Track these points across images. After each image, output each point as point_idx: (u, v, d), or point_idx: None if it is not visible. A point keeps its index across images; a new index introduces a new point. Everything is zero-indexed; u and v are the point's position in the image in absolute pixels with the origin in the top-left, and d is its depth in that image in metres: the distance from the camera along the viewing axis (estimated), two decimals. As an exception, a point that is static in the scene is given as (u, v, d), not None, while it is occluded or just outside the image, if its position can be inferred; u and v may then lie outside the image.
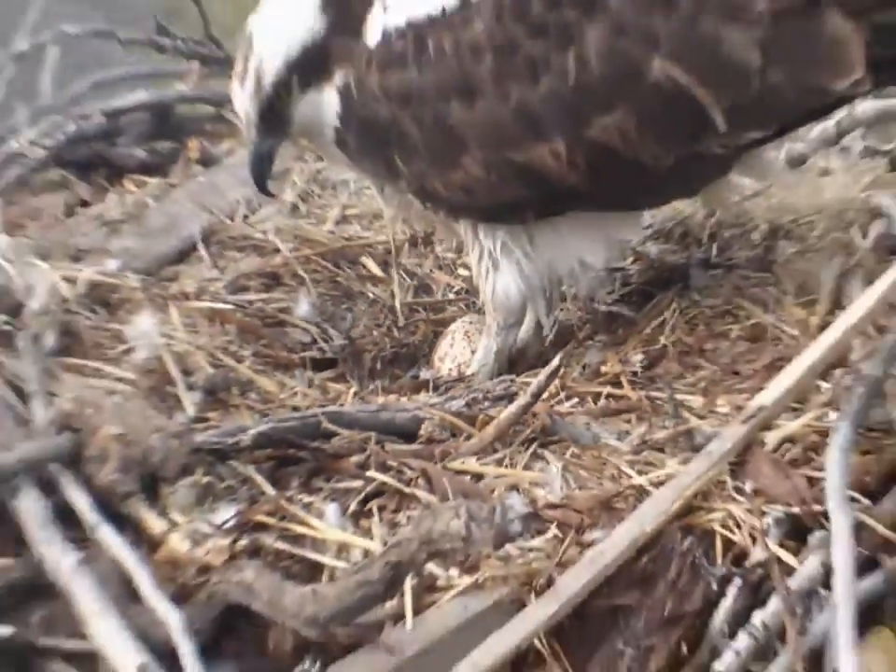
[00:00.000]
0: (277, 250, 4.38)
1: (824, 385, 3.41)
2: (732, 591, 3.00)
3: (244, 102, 3.86)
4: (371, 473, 3.33)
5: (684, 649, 2.96)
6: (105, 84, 5.32)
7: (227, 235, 4.47)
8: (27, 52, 5.27)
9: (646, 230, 4.18)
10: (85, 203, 4.71)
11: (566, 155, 3.53)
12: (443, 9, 3.58)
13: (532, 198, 3.63)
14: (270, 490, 3.28)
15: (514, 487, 3.26)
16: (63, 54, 5.36)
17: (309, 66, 3.76)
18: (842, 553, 2.90)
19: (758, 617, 2.95)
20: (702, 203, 4.06)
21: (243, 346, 3.92)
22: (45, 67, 5.36)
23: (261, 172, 3.94)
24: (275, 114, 3.83)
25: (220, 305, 4.07)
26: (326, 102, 3.77)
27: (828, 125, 4.22)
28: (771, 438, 3.28)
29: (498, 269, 3.76)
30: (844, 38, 3.46)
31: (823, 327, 3.58)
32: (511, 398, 3.51)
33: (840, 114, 4.24)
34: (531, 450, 3.40)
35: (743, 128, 3.52)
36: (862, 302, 3.48)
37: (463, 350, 3.94)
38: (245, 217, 4.55)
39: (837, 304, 3.75)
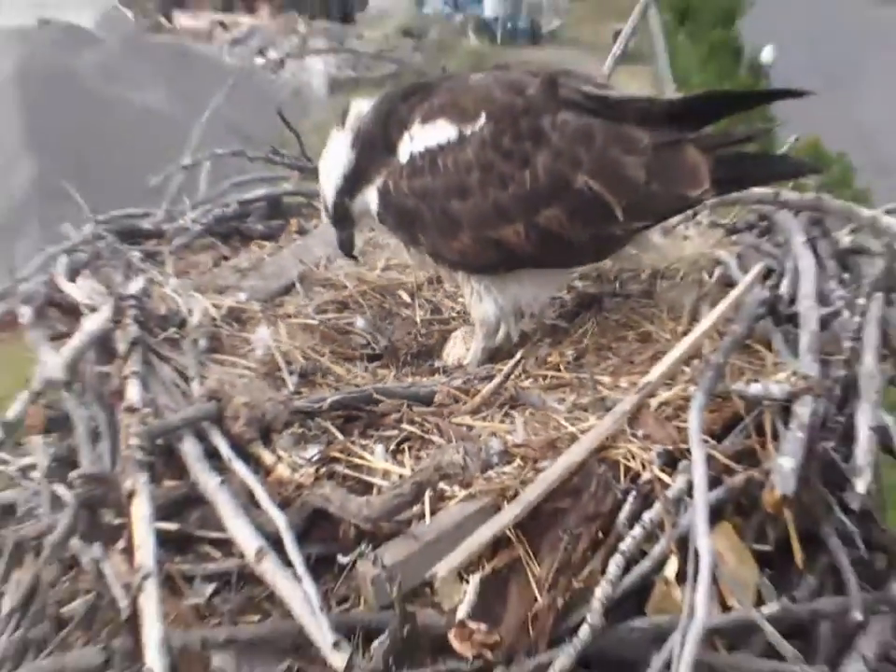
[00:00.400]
0: (345, 286, 4.35)
1: (686, 368, 3.39)
2: (630, 498, 2.99)
3: (323, 215, 3.99)
4: (404, 426, 3.32)
5: (601, 535, 2.95)
6: (239, 184, 5.39)
7: (314, 278, 4.44)
8: (190, 165, 5.32)
9: (574, 274, 4.13)
10: (226, 258, 4.71)
11: (523, 234, 3.52)
12: (448, 140, 3.55)
13: (502, 260, 3.61)
14: (340, 436, 3.27)
15: (493, 434, 3.23)
16: (213, 165, 5.42)
17: (351, 186, 3.77)
18: (699, 474, 2.89)
19: (647, 515, 2.94)
20: (610, 261, 4.02)
21: (323, 347, 3.89)
22: (202, 173, 5.43)
23: (347, 249, 4.01)
24: (343, 216, 3.87)
25: (309, 321, 4.05)
26: (369, 198, 3.76)
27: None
28: (654, 402, 3.25)
29: (482, 301, 3.75)
30: (696, 164, 3.47)
31: (685, 333, 3.56)
32: (491, 378, 3.48)
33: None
34: (503, 411, 3.38)
35: (634, 220, 3.51)
36: (710, 317, 3.48)
37: (461, 348, 3.90)
38: (326, 266, 4.52)
39: (694, 319, 3.71)
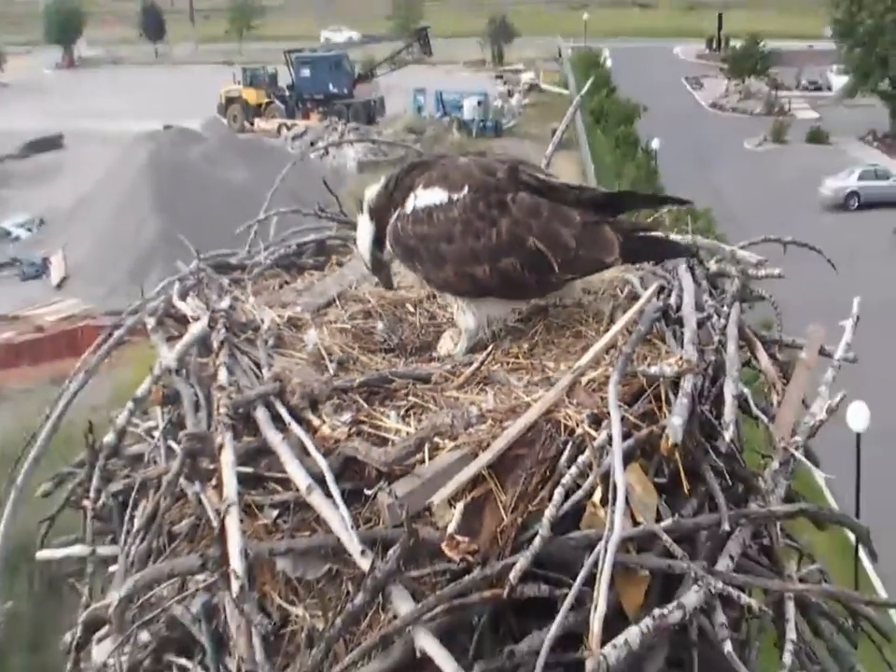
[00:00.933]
0: (370, 301, 4.22)
1: (606, 356, 3.29)
2: (568, 448, 2.92)
3: (364, 265, 3.95)
4: (410, 398, 3.23)
5: (548, 473, 2.88)
6: (297, 232, 5.29)
7: (348, 296, 4.30)
8: (263, 219, 5.23)
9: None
10: (287, 283, 4.60)
11: (488, 273, 3.46)
12: (441, 202, 3.49)
13: (474, 288, 3.54)
14: (365, 406, 3.18)
15: (473, 403, 3.14)
16: (279, 220, 5.31)
17: (376, 244, 3.74)
18: (616, 430, 2.83)
19: (580, 459, 2.87)
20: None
21: (354, 343, 3.78)
22: (272, 225, 5.33)
23: (388, 284, 3.98)
24: (377, 264, 3.84)
25: (344, 326, 3.94)
26: (387, 248, 3.71)
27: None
28: (584, 380, 3.16)
29: (465, 314, 3.64)
30: (611, 239, 3.43)
31: (605, 331, 3.46)
32: (471, 364, 3.38)
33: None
34: (480, 387, 3.29)
35: (566, 273, 3.47)
36: (622, 320, 3.39)
37: (450, 344, 3.77)
38: (356, 287, 4.38)
39: (611, 321, 3.60)
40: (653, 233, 3.71)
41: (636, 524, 2.79)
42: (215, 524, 2.79)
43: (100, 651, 3.07)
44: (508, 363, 3.50)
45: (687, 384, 3.04)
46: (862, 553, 11.44)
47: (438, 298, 4.17)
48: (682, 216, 4.56)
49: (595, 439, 2.90)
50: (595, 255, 3.44)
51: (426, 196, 3.54)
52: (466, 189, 3.48)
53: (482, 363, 3.35)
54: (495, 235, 3.42)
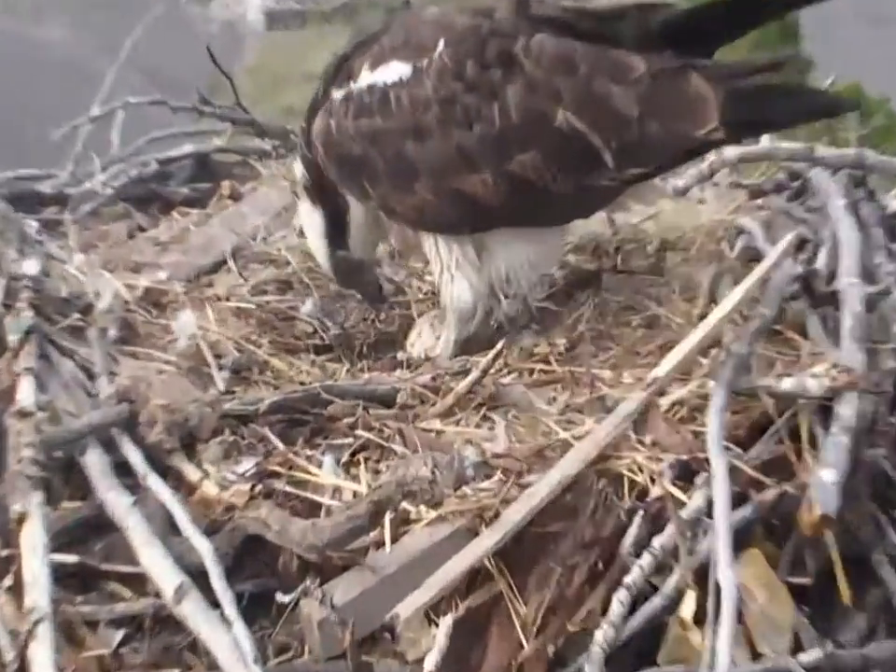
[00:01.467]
0: (288, 263, 4.29)
1: (704, 360, 3.32)
2: (636, 520, 2.93)
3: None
4: (358, 432, 3.26)
5: (601, 566, 2.89)
6: (159, 139, 5.34)
7: (251, 252, 4.39)
8: (101, 116, 5.26)
9: (567, 245, 4.07)
10: (142, 229, 4.69)
11: (492, 184, 3.48)
12: (400, 78, 3.55)
13: (468, 217, 3.58)
14: (280, 446, 3.21)
15: (469, 441, 3.17)
16: (128, 116, 5.37)
17: (335, 238, 3.95)
18: (720, 489, 2.85)
19: (657, 541, 2.88)
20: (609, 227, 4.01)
21: (261, 336, 3.83)
22: (115, 126, 5.37)
23: (375, 298, 4.14)
24: (346, 269, 4.04)
25: (245, 305, 3.99)
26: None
27: (703, 166, 4.18)
28: (664, 401, 3.19)
29: (454, 280, 3.69)
30: (703, 97, 3.39)
31: (702, 316, 3.50)
32: (466, 373, 3.42)
33: (711, 157, 4.18)
34: (481, 413, 3.32)
35: (627, 167, 3.45)
36: (732, 298, 3.41)
37: (429, 337, 3.84)
38: (264, 238, 4.47)
39: (712, 299, 3.66)
40: (775, 81, 3.57)
41: (755, 656, 2.80)
42: (8, 655, 2.74)
43: None
44: (531, 372, 3.54)
45: (847, 410, 3.05)
46: None
47: (408, 254, 4.23)
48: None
49: (683, 506, 2.92)
50: (677, 127, 3.44)
51: (376, 74, 3.60)
52: (441, 45, 3.52)
53: (485, 371, 3.36)
54: (498, 116, 3.45)
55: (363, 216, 3.86)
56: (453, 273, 3.68)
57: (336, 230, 3.88)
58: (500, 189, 3.48)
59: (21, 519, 2.88)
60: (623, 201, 3.72)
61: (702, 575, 2.77)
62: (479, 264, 3.68)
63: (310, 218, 3.93)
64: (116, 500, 3.00)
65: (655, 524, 2.92)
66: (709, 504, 2.86)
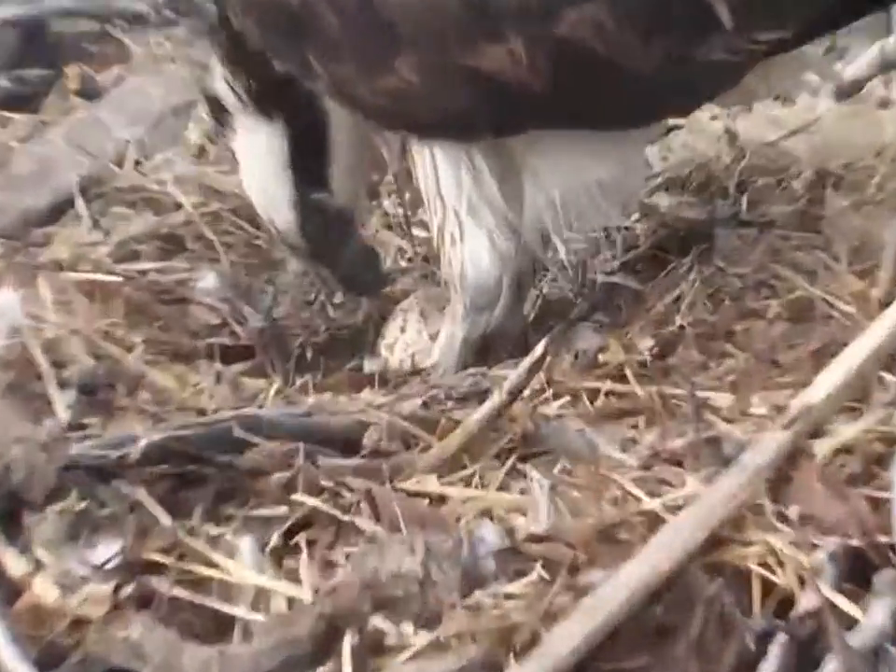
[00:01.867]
0: (178, 206, 4.35)
1: (890, 377, 3.32)
2: (775, 650, 2.88)
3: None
4: (297, 497, 3.26)
5: (714, 728, 2.91)
6: None
7: (113, 186, 4.45)
8: None
9: (655, 177, 4.08)
10: None
11: (524, 57, 3.48)
12: None
13: (482, 110, 3.58)
14: (165, 519, 3.21)
15: (487, 514, 3.19)
16: None
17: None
18: None
19: (808, 680, 2.89)
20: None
21: (132, 331, 3.87)
22: None
23: (370, 289, 4.21)
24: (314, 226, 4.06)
25: (104, 277, 4.02)
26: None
27: (888, 41, 4.16)
28: (822, 447, 3.20)
29: (464, 233, 3.71)
30: None
31: (887, 302, 3.49)
32: (481, 396, 3.45)
33: (901, 29, 4.21)
34: (508, 464, 3.33)
35: (754, 28, 3.49)
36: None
37: (418, 335, 3.89)
38: (138, 162, 4.56)
39: (900, 278, 3.67)
40: None
41: None
42: None
43: None
44: (593, 395, 3.58)
45: None
46: None
47: (384, 194, 4.29)
48: None
49: (855, 624, 2.91)
50: None
51: None
52: None
53: (514, 393, 3.36)
54: None
55: (354, 128, 3.91)
56: (461, 221, 3.69)
57: (306, 157, 3.89)
58: (540, 66, 3.49)
59: None
60: (749, 92, 3.77)
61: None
62: (504, 204, 3.69)
63: (255, 140, 3.93)
64: None
65: (806, 655, 2.90)
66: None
